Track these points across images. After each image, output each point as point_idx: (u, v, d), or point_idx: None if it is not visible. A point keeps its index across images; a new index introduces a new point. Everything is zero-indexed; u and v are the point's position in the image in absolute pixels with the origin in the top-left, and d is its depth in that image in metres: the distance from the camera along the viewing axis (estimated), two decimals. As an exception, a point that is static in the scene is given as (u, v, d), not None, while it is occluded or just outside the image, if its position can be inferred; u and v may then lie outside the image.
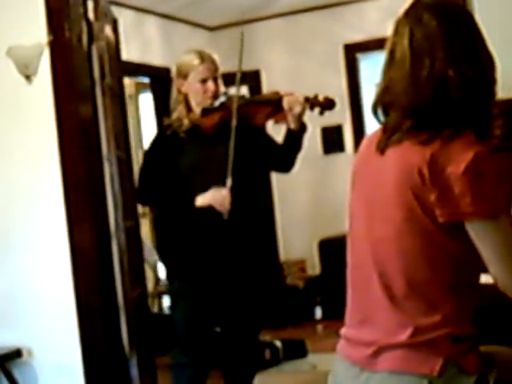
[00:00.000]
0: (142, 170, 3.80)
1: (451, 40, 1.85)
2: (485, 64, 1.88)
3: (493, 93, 1.90)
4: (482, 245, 1.82)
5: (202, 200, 3.64)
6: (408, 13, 1.92)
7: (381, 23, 6.78)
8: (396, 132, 1.89)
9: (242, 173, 3.69)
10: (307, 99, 3.74)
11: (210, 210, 3.64)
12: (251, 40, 7.36)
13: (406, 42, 1.88)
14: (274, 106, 3.78)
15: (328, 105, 3.78)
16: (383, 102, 1.94)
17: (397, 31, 1.91)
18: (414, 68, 1.86)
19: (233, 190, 3.68)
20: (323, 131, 7.20)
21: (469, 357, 1.84)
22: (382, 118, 1.96)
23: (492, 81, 1.90)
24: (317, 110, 3.79)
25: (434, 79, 1.84)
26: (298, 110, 3.71)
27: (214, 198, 3.63)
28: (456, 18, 1.89)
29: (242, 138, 3.71)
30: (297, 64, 7.39)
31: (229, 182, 3.63)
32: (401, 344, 1.85)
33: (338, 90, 6.92)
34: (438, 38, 1.85)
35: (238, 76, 3.77)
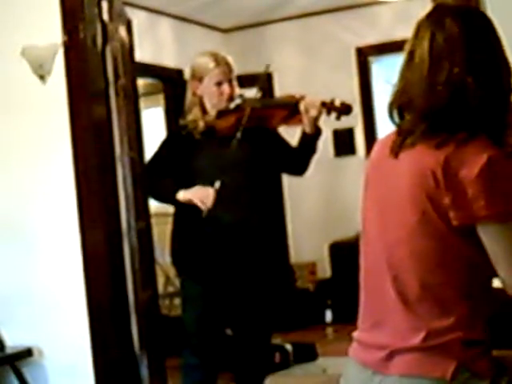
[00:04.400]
0: (149, 164, 3.85)
1: (471, 46, 1.85)
2: (503, 72, 1.88)
3: (509, 101, 1.90)
4: (493, 248, 1.82)
5: (184, 194, 3.67)
6: (430, 16, 1.92)
7: (393, 27, 6.79)
8: (410, 135, 1.89)
9: (255, 175, 3.70)
10: (324, 104, 3.73)
11: (219, 212, 3.65)
12: (264, 42, 7.39)
13: (426, 44, 1.88)
14: (291, 109, 3.78)
15: (345, 110, 3.78)
16: (399, 104, 1.94)
17: (418, 34, 1.91)
18: (432, 72, 1.86)
19: (244, 192, 3.68)
20: (335, 134, 7.20)
21: (481, 361, 1.84)
22: (396, 119, 1.96)
23: (509, 89, 1.90)
24: (333, 114, 3.79)
25: (452, 84, 1.84)
26: (314, 113, 3.70)
27: (197, 193, 3.64)
28: (478, 25, 1.89)
29: (256, 141, 3.71)
30: (309, 67, 7.39)
31: (217, 184, 3.61)
32: (414, 348, 1.84)
33: (350, 93, 6.93)
34: (459, 44, 1.85)
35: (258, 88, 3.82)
